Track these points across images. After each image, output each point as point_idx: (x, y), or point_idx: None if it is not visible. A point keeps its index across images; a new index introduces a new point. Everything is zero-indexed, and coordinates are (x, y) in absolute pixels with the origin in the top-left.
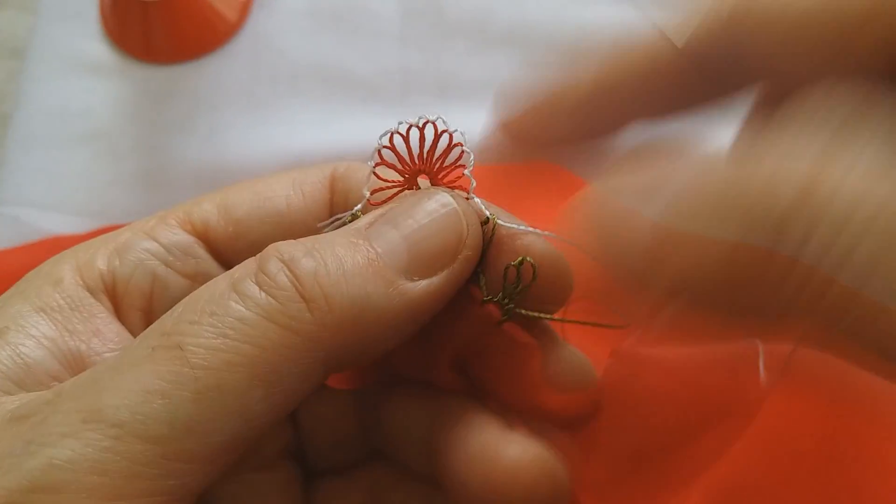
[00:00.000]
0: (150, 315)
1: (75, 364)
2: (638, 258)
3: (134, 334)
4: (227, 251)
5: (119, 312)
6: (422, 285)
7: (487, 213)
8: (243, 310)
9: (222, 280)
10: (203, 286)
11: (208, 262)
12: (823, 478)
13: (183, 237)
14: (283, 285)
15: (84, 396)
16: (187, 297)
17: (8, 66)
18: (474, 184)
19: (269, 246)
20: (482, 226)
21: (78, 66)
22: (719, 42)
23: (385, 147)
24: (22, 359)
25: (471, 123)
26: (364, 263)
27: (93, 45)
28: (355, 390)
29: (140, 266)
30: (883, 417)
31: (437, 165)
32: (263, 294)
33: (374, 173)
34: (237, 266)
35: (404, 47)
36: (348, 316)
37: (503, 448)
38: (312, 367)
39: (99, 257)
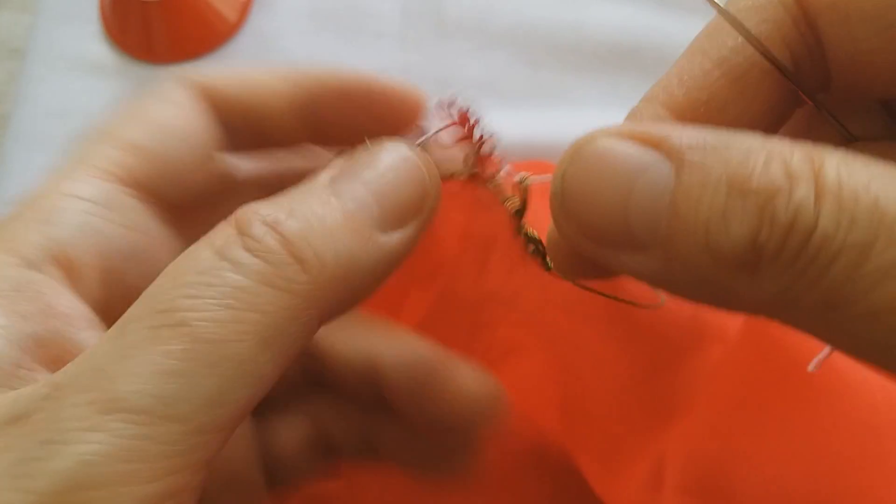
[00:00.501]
0: (105, 275)
1: (37, 349)
2: None
3: (94, 298)
4: (148, 181)
5: (73, 279)
6: (396, 237)
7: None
8: (241, 278)
9: (203, 249)
10: (181, 257)
11: (138, 210)
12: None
13: (105, 188)
14: (273, 248)
15: (94, 387)
16: (167, 270)
17: (8, 66)
18: (507, 167)
19: (243, 208)
20: (519, 187)
21: (78, 66)
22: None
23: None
24: None
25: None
26: (342, 221)
27: (93, 45)
28: None
29: (84, 225)
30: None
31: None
32: (257, 259)
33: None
34: (211, 233)
35: (404, 47)
36: (338, 272)
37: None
38: (310, 323)
39: (28, 230)
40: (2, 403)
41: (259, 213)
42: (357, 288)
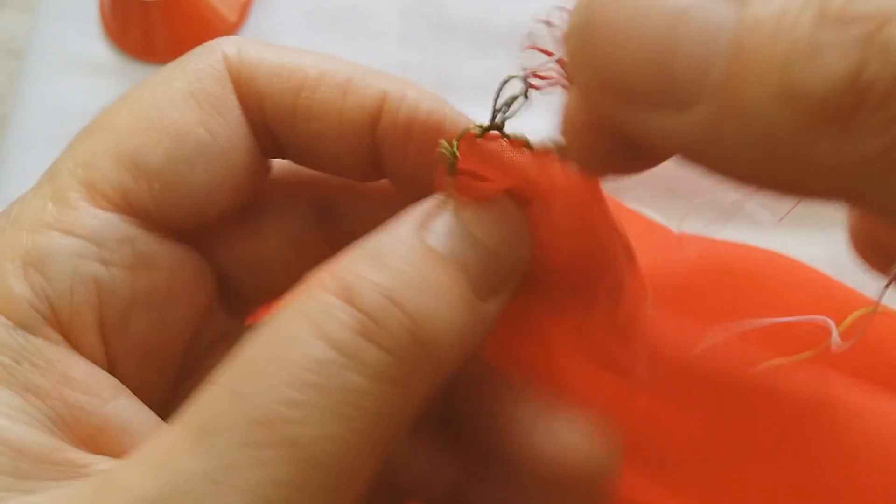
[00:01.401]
0: (104, 329)
1: (65, 430)
2: None
3: (93, 359)
4: (158, 212)
5: (70, 340)
6: (495, 304)
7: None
8: (360, 379)
9: (302, 327)
10: (265, 337)
11: (144, 240)
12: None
13: (104, 219)
14: (399, 337)
15: None
16: (250, 354)
17: (8, 66)
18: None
19: (337, 270)
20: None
21: (78, 66)
22: None
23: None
24: (7, 444)
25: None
26: (453, 288)
27: (93, 45)
28: None
29: (76, 277)
30: None
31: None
32: (379, 352)
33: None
34: (302, 302)
35: (404, 47)
36: (452, 355)
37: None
38: (421, 410)
39: (12, 281)
40: None
41: (372, 280)
42: (457, 365)
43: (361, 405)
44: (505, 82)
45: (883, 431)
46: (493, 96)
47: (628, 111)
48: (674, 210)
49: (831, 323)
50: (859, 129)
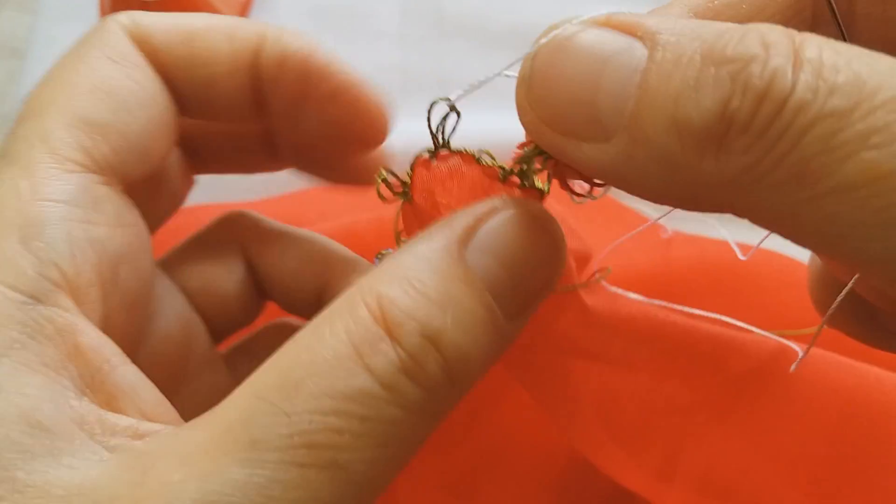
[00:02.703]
0: (106, 287)
1: (80, 398)
2: None
3: (94, 317)
4: (118, 164)
5: (78, 300)
6: (518, 323)
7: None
8: (399, 412)
9: (345, 355)
10: (310, 353)
11: (113, 200)
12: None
13: (77, 183)
14: (437, 379)
15: None
16: (297, 372)
17: (8, 66)
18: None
19: (378, 292)
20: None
21: None
22: None
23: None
24: (37, 426)
25: (470, 123)
26: (486, 317)
27: None
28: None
29: (72, 239)
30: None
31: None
32: (418, 390)
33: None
34: (345, 319)
35: (404, 47)
36: (475, 381)
37: None
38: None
39: (14, 253)
40: (86, 489)
41: (415, 319)
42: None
43: (397, 434)
44: (432, 105)
45: (837, 380)
46: (427, 124)
47: (564, 144)
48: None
49: (797, 348)
50: (729, 151)
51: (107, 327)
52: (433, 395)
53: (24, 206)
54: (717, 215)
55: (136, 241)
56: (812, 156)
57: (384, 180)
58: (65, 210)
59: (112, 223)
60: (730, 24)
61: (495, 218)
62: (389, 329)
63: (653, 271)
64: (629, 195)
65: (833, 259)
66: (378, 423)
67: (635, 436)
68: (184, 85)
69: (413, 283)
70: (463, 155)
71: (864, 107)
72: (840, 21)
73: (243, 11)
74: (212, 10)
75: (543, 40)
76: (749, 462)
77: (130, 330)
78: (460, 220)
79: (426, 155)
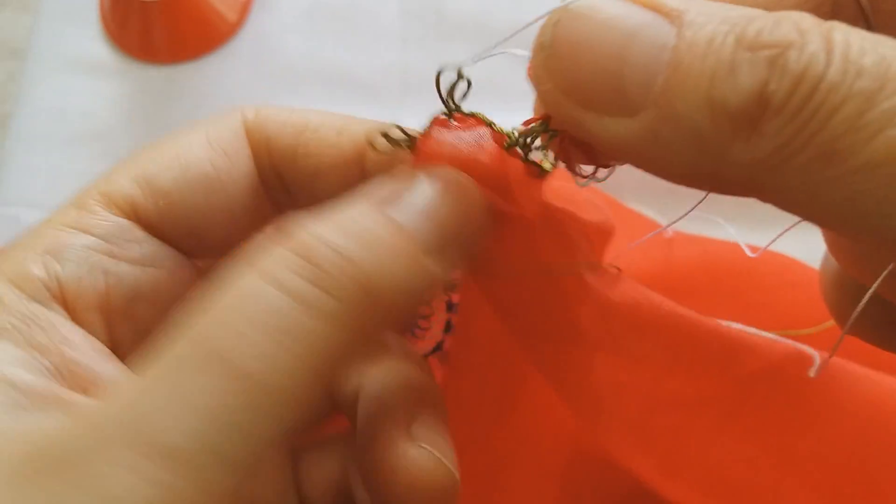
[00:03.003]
0: (108, 315)
1: (59, 377)
2: None
3: (95, 336)
4: (160, 225)
5: (74, 318)
6: (442, 264)
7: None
8: (307, 320)
9: (255, 280)
10: (224, 284)
11: (150, 242)
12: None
13: (116, 222)
14: (348, 288)
15: (135, 430)
16: (208, 297)
17: (8, 66)
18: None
19: (303, 228)
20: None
21: (78, 66)
22: None
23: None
24: (12, 385)
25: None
26: (402, 247)
27: (93, 45)
28: None
29: (86, 264)
30: None
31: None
32: (326, 297)
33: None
34: (256, 255)
35: (404, 47)
36: (394, 304)
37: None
38: (357, 354)
39: (31, 265)
40: (37, 437)
41: (325, 238)
42: (401, 316)
43: (308, 342)
44: (439, 73)
45: (855, 387)
46: (438, 90)
47: (584, 117)
48: (674, 210)
49: (812, 352)
50: (761, 133)
51: (116, 354)
52: (348, 306)
53: (60, 228)
54: (722, 214)
55: (165, 282)
56: (840, 135)
57: (385, 135)
58: (91, 241)
59: (136, 261)
60: (757, 10)
61: (418, 178)
62: (302, 251)
63: (654, 271)
64: (629, 195)
65: (858, 239)
66: (288, 332)
67: (638, 429)
68: (291, 173)
69: (330, 220)
70: (477, 117)
71: (890, 87)
72: (867, 13)
73: (243, 11)
74: (211, 10)
75: (568, 3)
76: (759, 465)
77: None
78: (383, 186)
79: (442, 116)
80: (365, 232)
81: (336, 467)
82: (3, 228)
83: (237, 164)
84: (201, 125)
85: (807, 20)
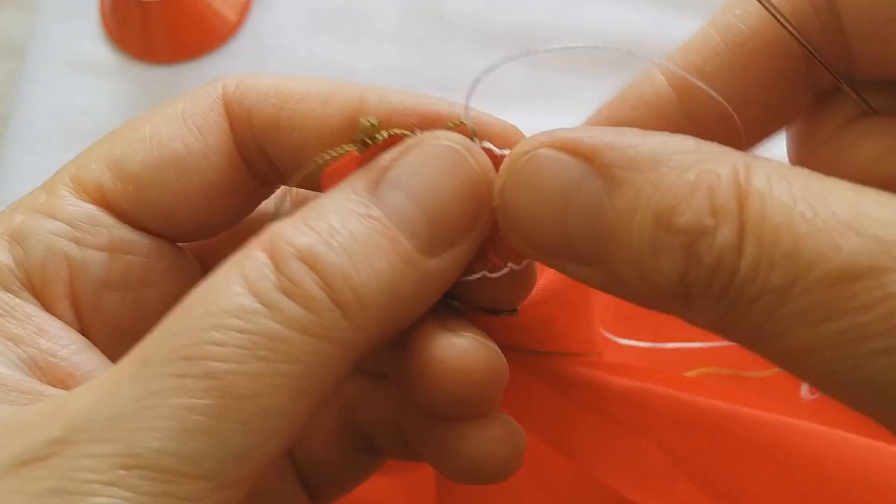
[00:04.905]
0: (77, 302)
1: (37, 371)
2: None
3: (68, 325)
4: (131, 211)
5: (45, 305)
6: (443, 260)
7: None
8: (278, 326)
9: (233, 283)
10: (206, 287)
11: (119, 229)
12: None
13: (83, 208)
14: (314, 295)
15: (112, 437)
16: (190, 302)
17: (8, 66)
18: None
19: (274, 231)
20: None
21: (78, 66)
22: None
23: None
24: None
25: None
26: (385, 245)
27: (93, 45)
28: None
29: (49, 251)
30: None
31: None
32: (296, 307)
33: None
34: (240, 258)
35: (404, 47)
36: (380, 312)
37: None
38: (347, 365)
39: (0, 253)
40: (7, 430)
41: (294, 246)
42: (401, 319)
43: (280, 349)
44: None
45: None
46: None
47: (548, 261)
48: None
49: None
50: (696, 308)
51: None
52: (319, 316)
53: (28, 213)
54: None
55: (139, 272)
56: (762, 323)
57: (370, 123)
58: (56, 226)
59: (107, 248)
60: (680, 160)
61: (409, 154)
62: (273, 256)
63: None
64: None
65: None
66: (256, 336)
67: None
68: (275, 148)
69: (305, 220)
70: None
71: (801, 284)
72: (851, 90)
73: (243, 11)
74: (211, 10)
75: (507, 155)
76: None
77: (121, 353)
78: (377, 162)
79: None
80: (336, 225)
81: (334, 414)
82: None
83: (211, 142)
84: (178, 100)
85: (723, 181)
